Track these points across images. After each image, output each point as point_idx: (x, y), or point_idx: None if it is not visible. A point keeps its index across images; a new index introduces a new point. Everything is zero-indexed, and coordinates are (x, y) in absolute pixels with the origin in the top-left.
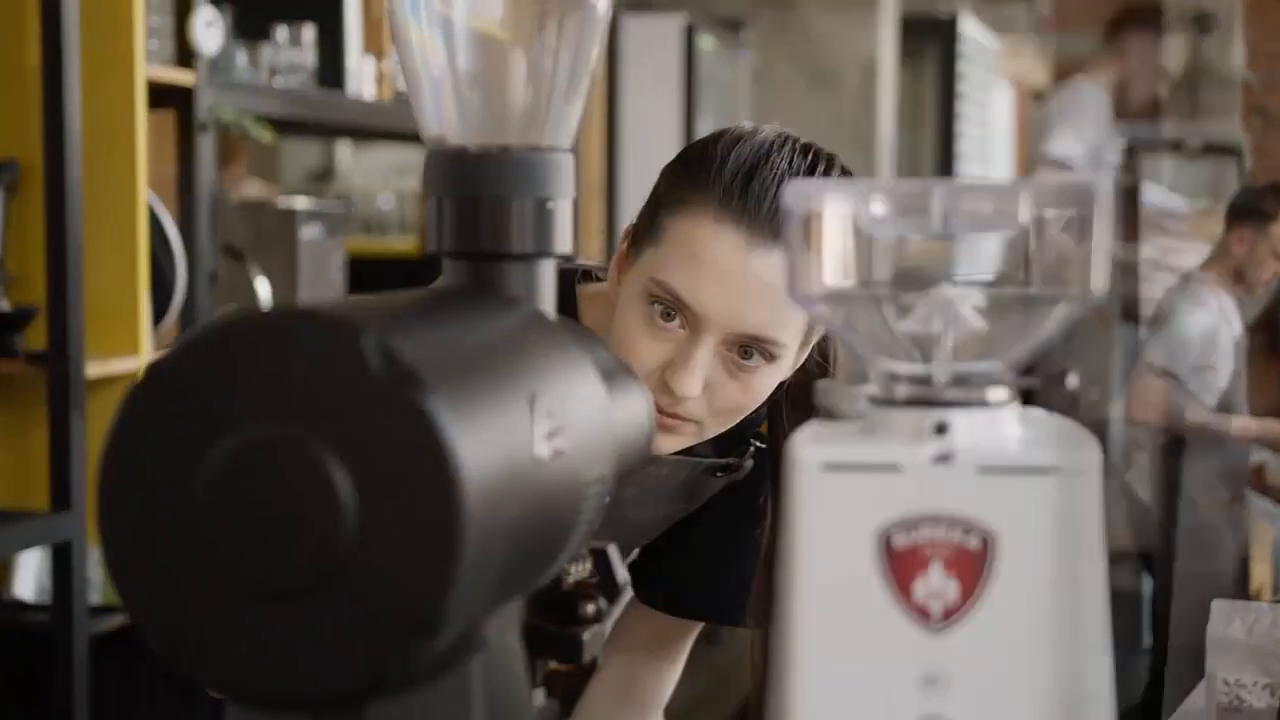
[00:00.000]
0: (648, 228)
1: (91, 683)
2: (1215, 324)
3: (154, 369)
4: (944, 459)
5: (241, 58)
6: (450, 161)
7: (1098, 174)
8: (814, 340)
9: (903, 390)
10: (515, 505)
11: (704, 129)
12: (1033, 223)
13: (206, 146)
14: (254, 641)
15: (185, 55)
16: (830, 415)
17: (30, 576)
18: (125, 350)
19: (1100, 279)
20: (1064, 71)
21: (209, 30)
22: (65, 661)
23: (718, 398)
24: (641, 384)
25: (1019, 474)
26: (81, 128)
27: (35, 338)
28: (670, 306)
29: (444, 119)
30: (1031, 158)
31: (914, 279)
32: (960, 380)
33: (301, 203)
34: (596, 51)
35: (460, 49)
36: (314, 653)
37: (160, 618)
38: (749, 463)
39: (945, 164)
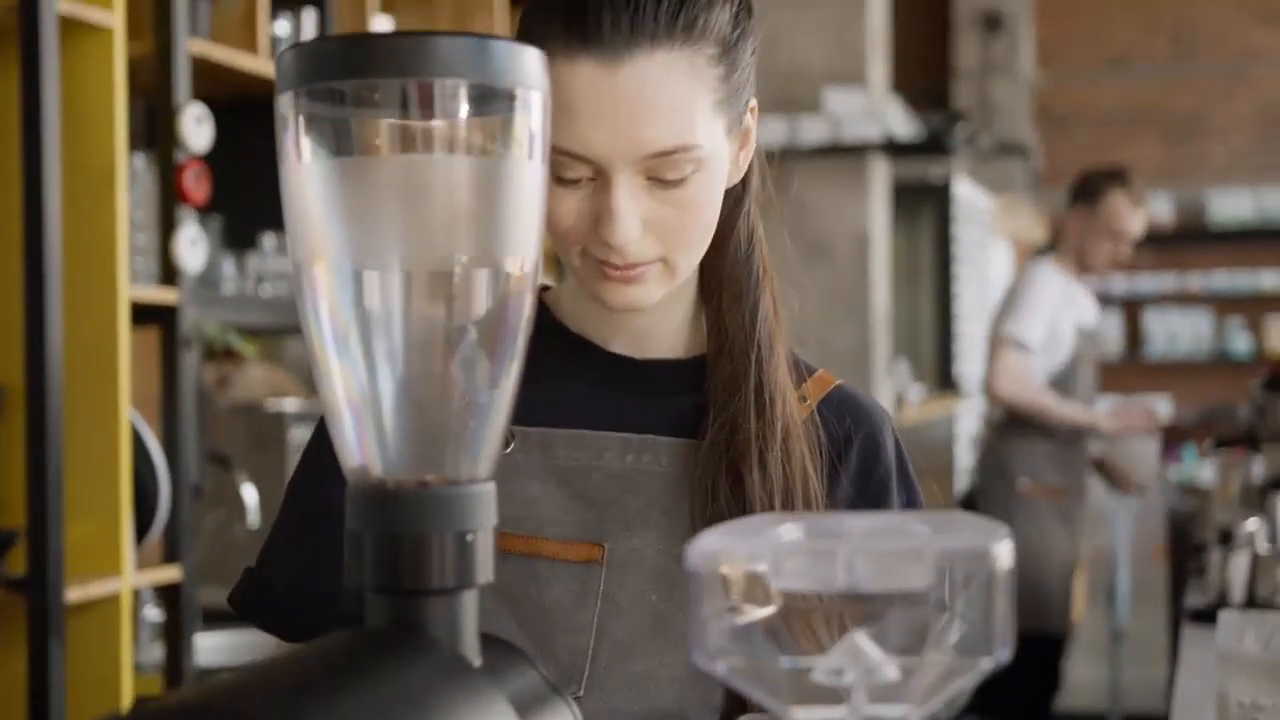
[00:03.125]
0: None
1: None
2: (1058, 304)
3: None
4: None
5: (229, 266)
6: (370, 497)
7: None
8: (745, 116)
9: None
10: None
11: None
12: (937, 584)
13: (190, 362)
14: None
15: (170, 272)
16: None
17: None
18: (107, 572)
19: (1008, 639)
20: (1059, 226)
21: (193, 248)
22: None
23: (663, 228)
24: (570, 706)
25: None
26: (64, 350)
27: (15, 562)
28: (565, 166)
29: (365, 451)
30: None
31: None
32: None
33: (292, 404)
34: (513, 381)
35: (381, 382)
36: None
37: None
38: None
39: (944, 324)
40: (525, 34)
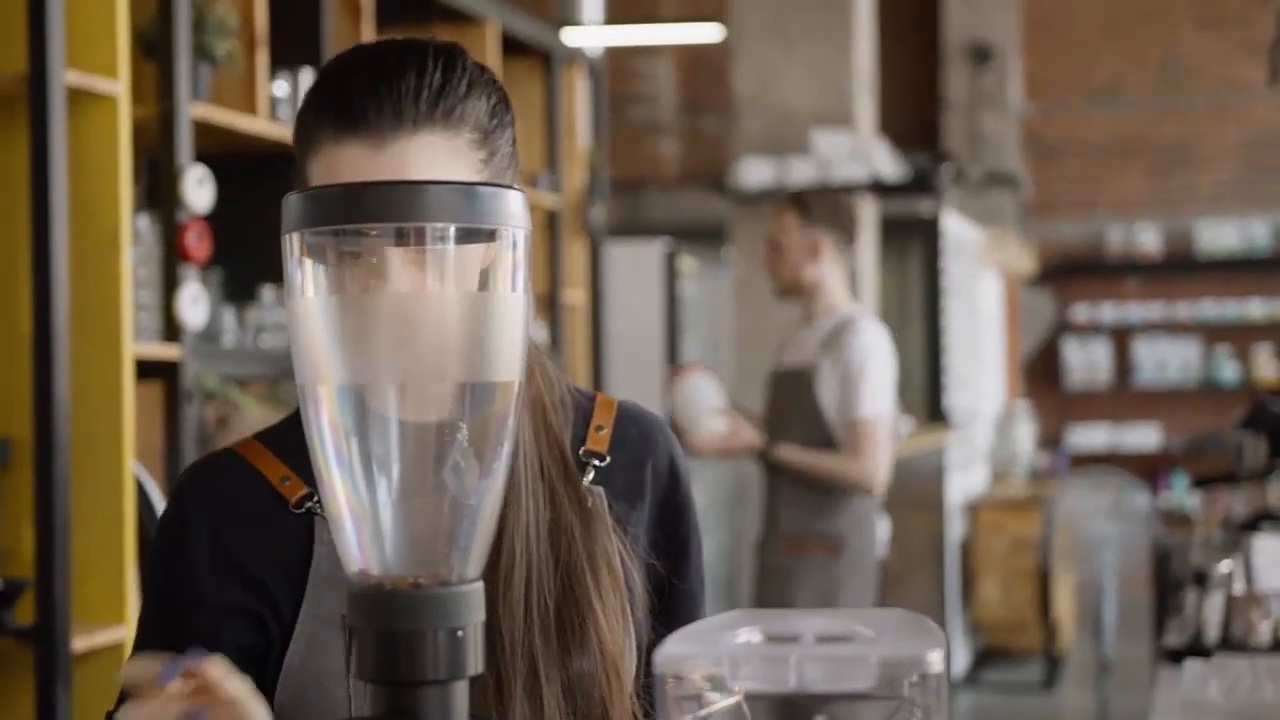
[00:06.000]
0: (299, 187)
1: None
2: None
3: None
4: None
5: (230, 318)
6: (369, 597)
7: None
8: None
9: None
10: None
11: (688, 346)
12: (879, 685)
13: (192, 416)
14: None
15: (172, 328)
16: None
17: None
18: (112, 620)
19: None
20: (1049, 256)
21: (194, 306)
22: None
23: None
24: None
25: None
26: (71, 405)
27: (23, 612)
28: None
29: (364, 555)
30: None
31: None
32: None
33: None
34: (499, 487)
35: (379, 492)
36: None
37: None
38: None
39: (933, 357)
40: (301, 130)
